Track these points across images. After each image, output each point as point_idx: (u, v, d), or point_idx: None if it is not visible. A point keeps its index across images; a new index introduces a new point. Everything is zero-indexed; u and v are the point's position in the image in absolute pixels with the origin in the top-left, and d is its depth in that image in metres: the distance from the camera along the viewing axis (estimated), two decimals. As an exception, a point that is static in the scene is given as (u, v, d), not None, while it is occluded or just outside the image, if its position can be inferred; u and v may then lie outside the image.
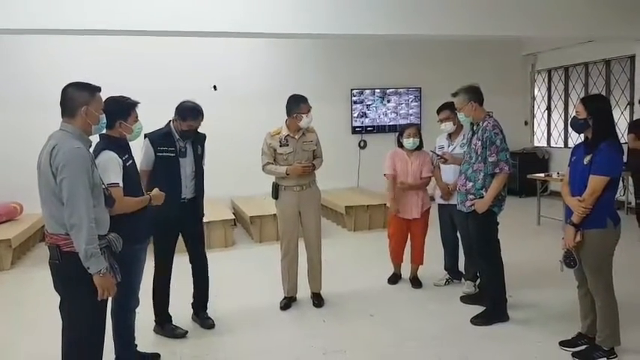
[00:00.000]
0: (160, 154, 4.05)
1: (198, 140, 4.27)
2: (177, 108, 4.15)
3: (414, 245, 5.31)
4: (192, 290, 4.47)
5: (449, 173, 4.99)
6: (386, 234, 5.55)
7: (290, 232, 4.77)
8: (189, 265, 4.44)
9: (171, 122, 4.17)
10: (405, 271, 5.42)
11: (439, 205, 5.23)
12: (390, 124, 10.17)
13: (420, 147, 5.15)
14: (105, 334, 2.98)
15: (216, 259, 6.41)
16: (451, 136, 5.08)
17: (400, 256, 5.38)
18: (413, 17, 6.59)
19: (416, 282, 5.33)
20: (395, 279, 5.45)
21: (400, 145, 5.18)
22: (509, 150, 4.31)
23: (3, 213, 7.25)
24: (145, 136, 3.99)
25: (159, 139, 4.07)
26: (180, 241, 4.39)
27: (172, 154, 4.09)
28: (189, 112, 4.11)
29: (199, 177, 4.26)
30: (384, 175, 5.23)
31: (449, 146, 5.03)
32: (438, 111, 5.06)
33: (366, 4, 6.41)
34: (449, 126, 4.99)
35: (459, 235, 5.05)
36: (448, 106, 4.86)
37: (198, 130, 4.23)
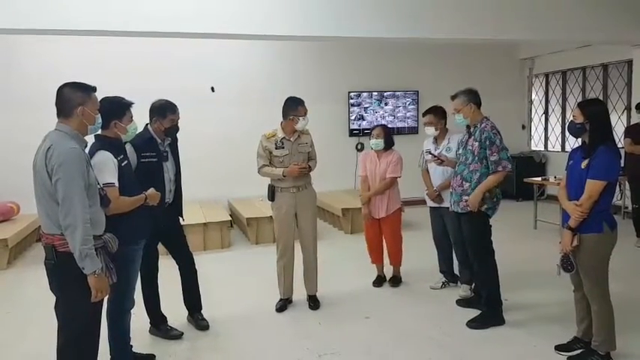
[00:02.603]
0: (144, 160, 3.92)
1: (174, 141, 4.22)
2: (152, 109, 4.07)
3: (386, 246, 5.35)
4: (183, 291, 4.43)
5: (437, 177, 5.06)
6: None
7: (286, 233, 4.77)
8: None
9: (149, 125, 4.08)
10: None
11: (430, 208, 5.23)
12: (388, 126, 10.12)
13: (388, 147, 5.28)
14: (100, 334, 2.97)
15: (212, 261, 6.47)
16: (437, 140, 5.13)
17: (377, 256, 5.42)
18: (410, 20, 6.59)
19: (395, 280, 5.39)
20: (379, 281, 5.45)
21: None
22: (506, 153, 4.33)
23: (0, 213, 7.24)
24: (125, 142, 3.78)
25: (142, 144, 3.93)
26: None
27: (155, 159, 3.99)
28: (166, 107, 4.06)
29: (179, 179, 4.24)
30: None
31: (435, 150, 5.06)
32: (423, 115, 5.19)
33: (363, 7, 6.40)
34: (430, 130, 5.08)
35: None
36: (431, 111, 5.04)
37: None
